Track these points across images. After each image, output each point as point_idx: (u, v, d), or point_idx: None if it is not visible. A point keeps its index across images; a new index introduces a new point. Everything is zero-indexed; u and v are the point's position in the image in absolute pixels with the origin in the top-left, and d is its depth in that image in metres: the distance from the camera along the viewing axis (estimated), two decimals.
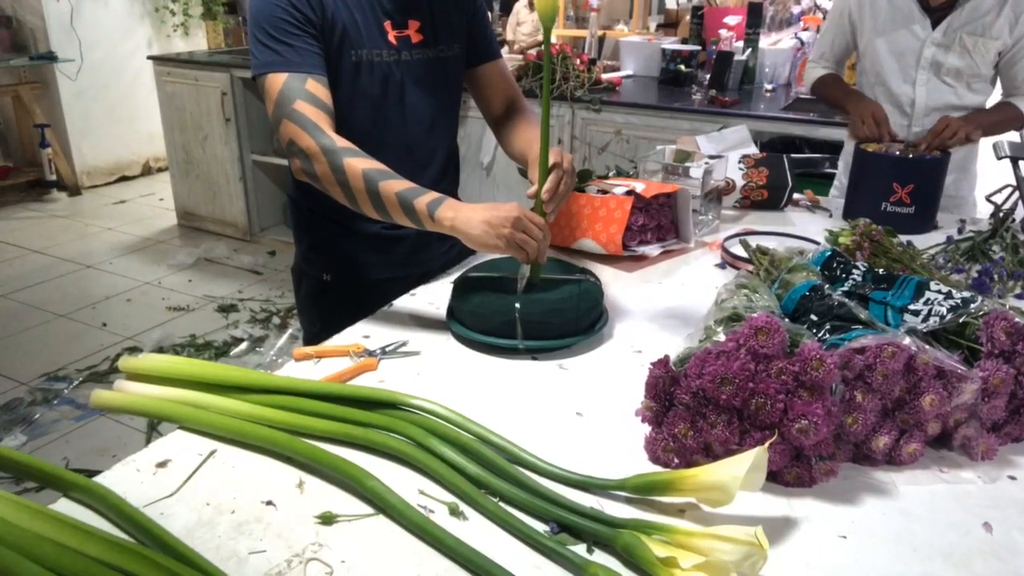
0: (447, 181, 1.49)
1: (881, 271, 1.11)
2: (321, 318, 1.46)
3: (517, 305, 1.11)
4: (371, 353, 1.11)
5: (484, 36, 1.44)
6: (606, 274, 1.41)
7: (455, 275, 1.38)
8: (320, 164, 1.17)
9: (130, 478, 0.85)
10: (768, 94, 3.42)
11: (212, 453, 0.89)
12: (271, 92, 1.20)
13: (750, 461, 0.75)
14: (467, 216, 1.11)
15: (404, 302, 1.31)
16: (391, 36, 1.30)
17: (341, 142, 1.17)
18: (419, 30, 1.32)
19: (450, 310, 1.21)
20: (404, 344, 1.14)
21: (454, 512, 0.80)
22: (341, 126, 1.23)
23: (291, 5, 1.20)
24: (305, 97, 1.18)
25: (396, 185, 1.14)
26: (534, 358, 1.12)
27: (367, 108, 1.31)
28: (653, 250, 1.49)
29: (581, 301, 1.15)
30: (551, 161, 1.17)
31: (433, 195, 1.15)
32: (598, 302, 1.19)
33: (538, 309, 1.12)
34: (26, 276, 3.85)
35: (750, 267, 1.23)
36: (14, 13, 4.83)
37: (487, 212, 1.10)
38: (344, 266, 1.44)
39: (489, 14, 1.48)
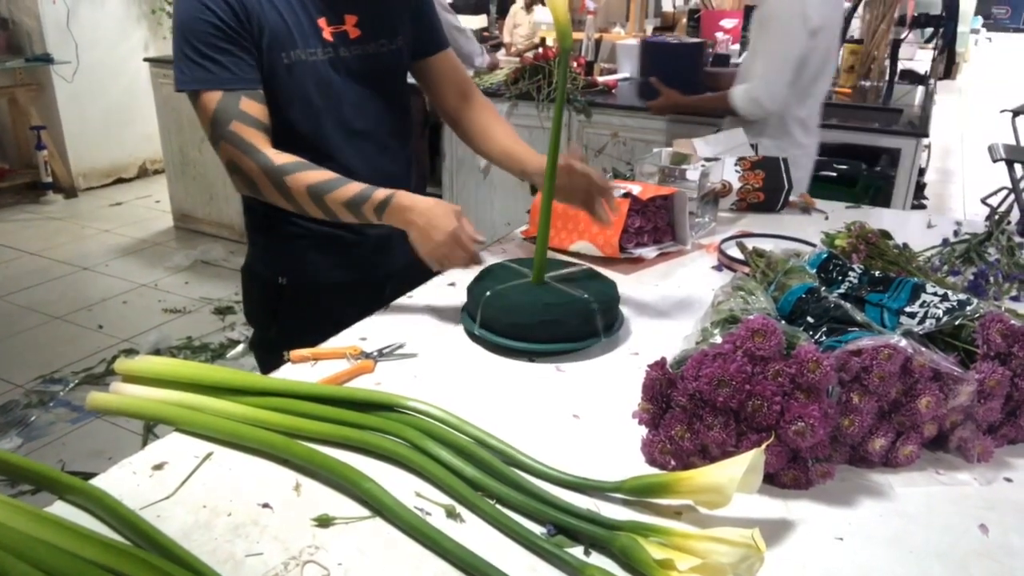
0: (412, 178, 1.47)
1: (877, 273, 1.11)
2: (278, 321, 1.43)
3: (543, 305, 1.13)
4: (368, 355, 1.11)
5: (429, 27, 1.40)
6: None
7: (450, 276, 1.39)
8: (264, 185, 1.18)
9: (126, 480, 0.85)
10: None
11: (208, 455, 0.89)
12: (205, 111, 1.18)
13: (747, 463, 0.75)
14: (406, 220, 1.16)
15: (401, 304, 1.31)
16: (326, 33, 1.26)
17: (280, 158, 1.17)
18: (356, 25, 1.29)
19: (471, 310, 1.19)
20: (401, 346, 1.14)
21: (451, 514, 0.80)
22: (281, 129, 1.23)
23: (216, 17, 1.16)
24: (239, 117, 1.17)
25: (341, 194, 1.17)
26: (531, 360, 1.12)
27: (305, 108, 1.27)
28: (650, 252, 1.49)
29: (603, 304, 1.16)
30: (563, 163, 1.18)
31: (381, 195, 1.17)
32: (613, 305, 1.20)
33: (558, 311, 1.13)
34: (22, 278, 3.84)
35: (746, 269, 1.23)
36: (10, 15, 4.82)
37: (428, 217, 1.14)
38: (301, 270, 1.41)
39: (436, 5, 1.44)
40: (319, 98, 1.27)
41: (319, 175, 1.18)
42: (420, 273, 1.39)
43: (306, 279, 1.41)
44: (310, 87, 1.26)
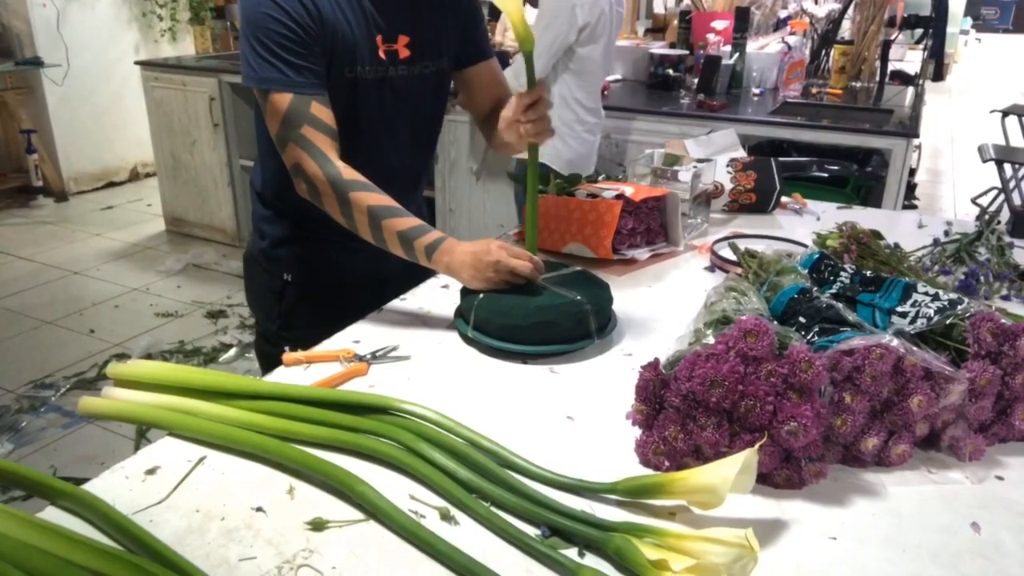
0: (416, 195, 1.48)
1: (869, 273, 1.11)
2: (281, 316, 1.44)
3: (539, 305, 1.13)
4: (361, 358, 1.11)
5: (473, 38, 1.41)
6: None
7: (444, 279, 1.39)
8: (327, 195, 1.18)
9: (119, 485, 0.84)
10: (755, 98, 3.44)
11: (201, 460, 0.89)
12: (275, 111, 1.18)
13: (740, 463, 0.75)
14: (459, 261, 1.17)
15: (394, 306, 1.30)
16: (381, 51, 1.27)
17: (347, 172, 1.18)
18: (408, 45, 1.30)
19: (464, 313, 1.19)
20: (395, 349, 1.14)
21: (445, 517, 0.80)
22: None
23: (289, 18, 1.16)
24: (311, 121, 1.18)
25: (398, 224, 1.18)
26: (524, 362, 1.13)
27: (353, 123, 1.28)
28: (642, 254, 1.49)
29: (598, 307, 1.17)
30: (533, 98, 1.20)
31: (432, 236, 1.18)
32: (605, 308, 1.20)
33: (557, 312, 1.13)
34: (13, 283, 3.82)
35: (739, 270, 1.23)
36: (0, 18, 4.80)
37: (473, 257, 1.17)
38: (304, 269, 1.43)
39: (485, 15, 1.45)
40: (367, 114, 1.29)
41: (381, 199, 1.19)
42: (416, 276, 1.39)
43: (310, 277, 1.42)
44: (362, 102, 1.28)
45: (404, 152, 1.39)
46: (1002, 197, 4.28)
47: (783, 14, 4.41)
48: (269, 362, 1.11)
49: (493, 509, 0.80)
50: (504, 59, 2.89)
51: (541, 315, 1.12)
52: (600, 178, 1.77)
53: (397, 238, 1.18)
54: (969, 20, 14.37)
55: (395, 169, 1.38)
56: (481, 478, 0.83)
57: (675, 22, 4.07)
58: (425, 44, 1.32)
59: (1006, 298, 1.35)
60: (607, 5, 2.59)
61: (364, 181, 1.19)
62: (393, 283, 1.38)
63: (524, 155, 2.65)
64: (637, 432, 0.91)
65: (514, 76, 2.64)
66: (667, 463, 0.88)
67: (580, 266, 1.31)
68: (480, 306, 1.14)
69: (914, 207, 4.06)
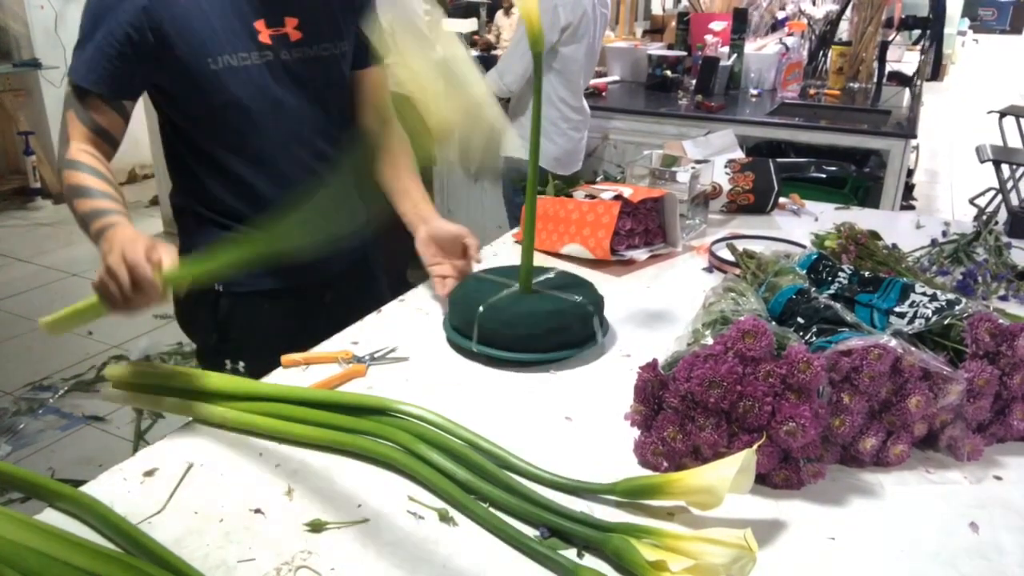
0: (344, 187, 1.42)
1: (867, 274, 1.11)
2: (219, 330, 1.34)
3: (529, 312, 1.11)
4: (360, 359, 1.11)
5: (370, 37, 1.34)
6: (593, 279, 1.41)
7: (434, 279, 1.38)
8: (61, 177, 1.10)
9: (117, 487, 0.84)
10: (753, 99, 3.45)
11: (199, 462, 0.89)
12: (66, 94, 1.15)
13: (738, 464, 0.75)
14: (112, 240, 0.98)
15: (393, 307, 1.30)
16: (264, 35, 1.19)
17: (75, 151, 1.10)
18: (298, 27, 1.21)
19: (462, 328, 1.16)
20: (393, 350, 1.14)
21: (444, 518, 0.80)
22: (214, 137, 1.20)
23: (118, 9, 1.11)
24: (75, 108, 1.13)
25: (83, 204, 1.04)
26: (523, 363, 1.12)
27: (238, 115, 1.20)
28: (641, 254, 1.50)
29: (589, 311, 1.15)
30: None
31: (104, 222, 1.02)
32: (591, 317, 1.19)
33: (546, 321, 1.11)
34: (10, 284, 3.82)
35: (737, 271, 1.24)
36: None
37: (117, 246, 0.96)
38: (236, 276, 1.30)
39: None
40: (254, 104, 1.20)
41: (82, 179, 1.06)
42: (360, 280, 1.34)
43: (241, 286, 1.33)
44: (242, 93, 1.19)
45: (318, 135, 1.30)
46: (1000, 198, 4.29)
47: (781, 15, 4.42)
48: None
49: (492, 510, 0.80)
50: (493, 61, 2.91)
51: (554, 320, 1.11)
52: (598, 179, 1.77)
53: (81, 221, 1.04)
54: (967, 21, 14.40)
55: (311, 156, 1.29)
56: (480, 479, 0.83)
57: (673, 23, 4.08)
58: (319, 24, 1.25)
59: (1004, 298, 1.35)
60: (590, 6, 2.64)
61: (84, 161, 1.08)
62: (335, 288, 1.33)
63: (513, 154, 2.66)
64: (635, 433, 0.91)
65: (499, 76, 2.71)
66: (665, 464, 0.88)
67: (576, 267, 1.31)
68: (483, 319, 1.11)
69: (912, 208, 4.07)
